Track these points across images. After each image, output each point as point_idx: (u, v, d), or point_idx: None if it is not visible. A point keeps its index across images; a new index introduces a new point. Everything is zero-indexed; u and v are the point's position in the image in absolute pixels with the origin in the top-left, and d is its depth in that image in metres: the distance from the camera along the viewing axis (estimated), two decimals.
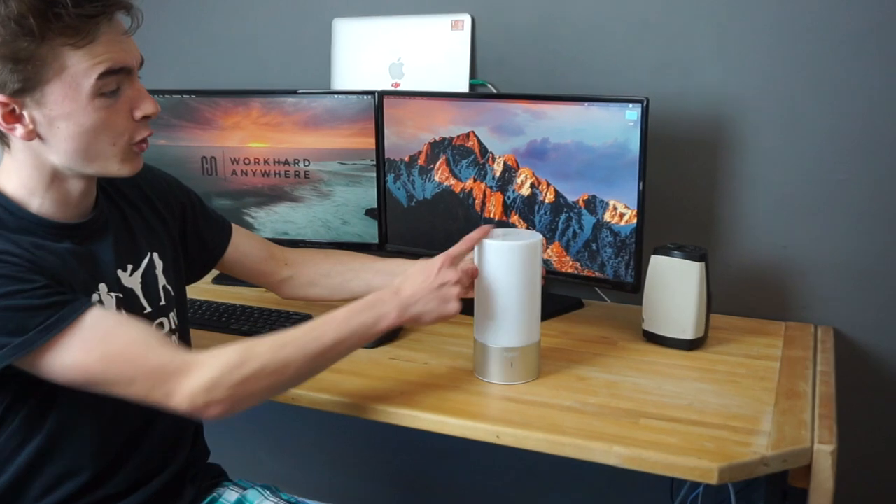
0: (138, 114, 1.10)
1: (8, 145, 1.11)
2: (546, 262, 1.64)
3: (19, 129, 1.06)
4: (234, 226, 1.46)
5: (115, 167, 1.10)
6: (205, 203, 1.43)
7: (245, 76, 2.08)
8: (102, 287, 1.16)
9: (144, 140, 1.13)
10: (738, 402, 1.28)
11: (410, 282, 1.22)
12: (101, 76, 1.04)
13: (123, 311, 1.17)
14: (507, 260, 1.26)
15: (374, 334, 1.20)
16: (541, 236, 1.30)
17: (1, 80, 1.02)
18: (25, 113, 1.05)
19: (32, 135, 1.07)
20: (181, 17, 2.14)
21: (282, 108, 1.86)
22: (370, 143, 1.80)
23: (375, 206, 1.84)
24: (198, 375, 1.06)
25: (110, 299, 1.16)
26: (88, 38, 1.02)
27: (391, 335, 1.55)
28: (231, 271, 1.46)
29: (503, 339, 1.30)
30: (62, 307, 1.04)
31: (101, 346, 1.04)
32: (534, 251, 1.28)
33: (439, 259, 1.25)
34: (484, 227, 1.29)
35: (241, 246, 1.45)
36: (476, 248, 1.29)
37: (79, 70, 1.03)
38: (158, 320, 1.25)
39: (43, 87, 1.03)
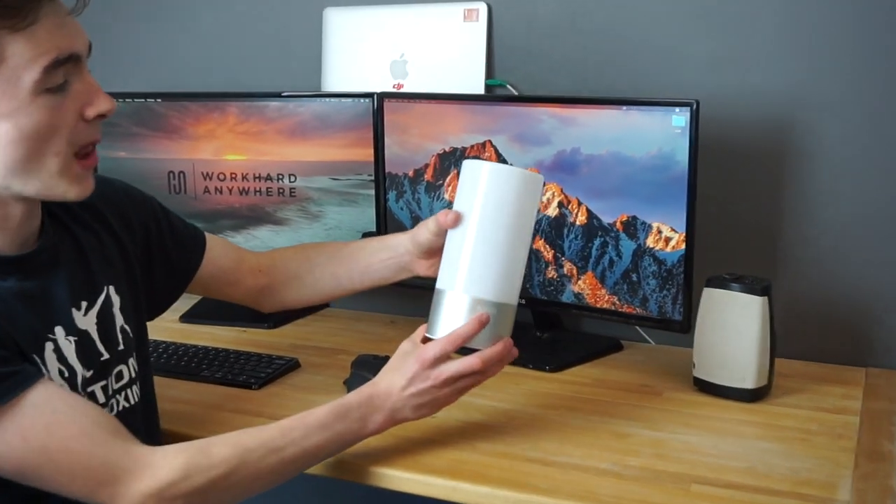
0: (91, 112, 1.08)
1: None
2: (578, 296, 1.63)
3: None
4: (207, 236, 1.46)
5: (62, 187, 1.09)
6: (170, 212, 1.43)
7: (220, 76, 2.09)
8: (59, 331, 1.15)
9: (91, 151, 1.11)
10: (810, 464, 1.27)
11: (400, 384, 1.23)
12: (48, 68, 1.03)
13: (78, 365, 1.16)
14: (500, 188, 1.21)
15: (359, 440, 1.23)
16: (542, 177, 1.28)
17: None
18: None
19: None
20: (143, 7, 2.15)
21: (263, 113, 1.87)
22: (368, 154, 1.81)
23: (374, 229, 1.84)
24: (149, 478, 1.07)
25: (69, 344, 1.16)
26: (28, 20, 1.01)
27: None
28: (197, 290, 1.47)
29: (477, 286, 1.22)
30: (2, 380, 1.03)
31: (44, 435, 1.04)
32: (533, 185, 1.24)
33: (413, 363, 1.23)
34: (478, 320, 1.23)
35: (216, 259, 1.45)
36: (462, 170, 1.25)
37: (19, 61, 1.01)
38: (117, 368, 1.24)
39: None
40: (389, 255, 1.42)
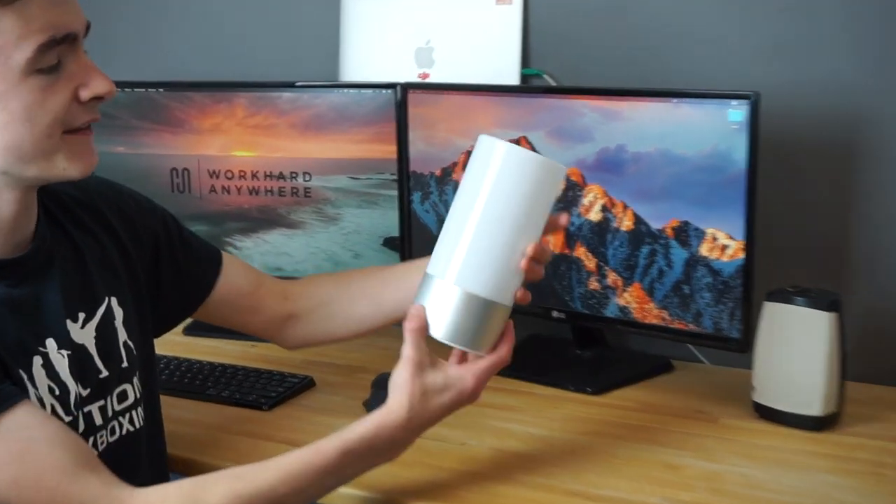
0: (86, 94, 1.08)
1: None
2: (623, 311, 1.62)
3: None
4: (224, 254, 1.45)
5: (61, 165, 1.09)
6: (184, 227, 1.43)
7: (228, 64, 2.09)
8: (50, 343, 1.15)
9: (88, 127, 1.11)
10: (884, 501, 1.27)
11: (421, 409, 1.19)
12: (42, 47, 1.03)
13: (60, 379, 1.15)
14: (515, 172, 1.18)
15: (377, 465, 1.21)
16: (565, 167, 1.23)
17: None
18: None
19: None
20: None
21: (275, 105, 1.86)
22: (390, 151, 1.80)
23: (396, 234, 1.83)
24: None
25: (61, 359, 1.15)
26: None
27: None
28: (213, 317, 1.45)
29: (469, 280, 1.19)
30: None
31: (17, 465, 1.04)
32: (553, 176, 1.20)
33: (404, 372, 1.19)
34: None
35: (233, 279, 1.43)
36: (477, 145, 1.22)
37: (9, 39, 1.02)
38: (120, 388, 1.24)
39: None
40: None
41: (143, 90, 1.93)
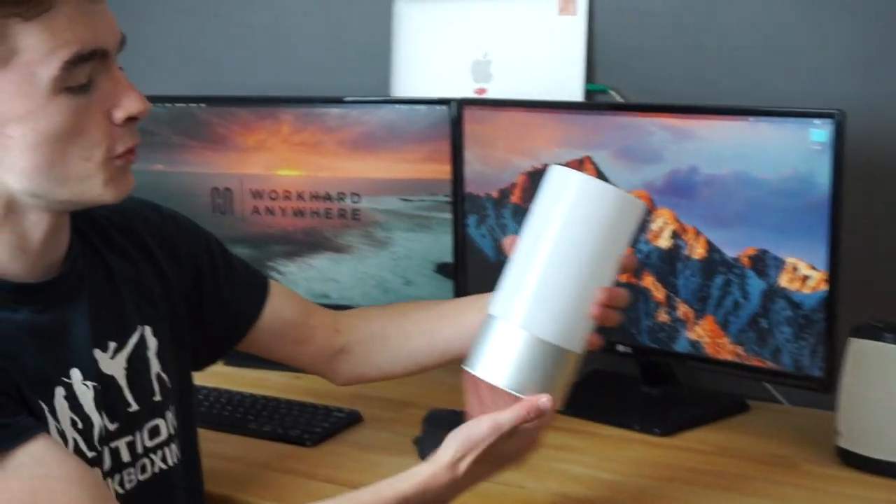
0: (119, 114, 1.08)
1: None
2: (694, 345, 1.61)
3: None
4: (272, 282, 1.46)
5: (96, 190, 1.09)
6: (229, 251, 1.44)
7: (273, 78, 2.11)
8: (75, 374, 1.15)
9: (130, 151, 1.12)
10: None
11: (472, 461, 1.18)
12: (68, 64, 1.03)
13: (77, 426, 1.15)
14: (590, 207, 1.15)
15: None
16: (645, 204, 1.21)
17: None
18: None
19: None
20: (184, 2, 2.18)
21: (323, 122, 1.87)
22: (444, 171, 1.80)
23: (450, 259, 1.83)
24: None
25: (86, 390, 1.16)
26: (42, 6, 1.02)
27: None
28: (258, 348, 1.45)
29: (536, 323, 1.17)
30: None
31: (30, 502, 1.03)
32: (632, 213, 1.17)
33: (485, 431, 1.17)
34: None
35: (280, 308, 1.43)
36: (547, 176, 1.20)
37: (34, 55, 1.02)
38: (151, 423, 1.24)
39: None
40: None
41: (184, 105, 1.95)
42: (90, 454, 1.14)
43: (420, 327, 1.43)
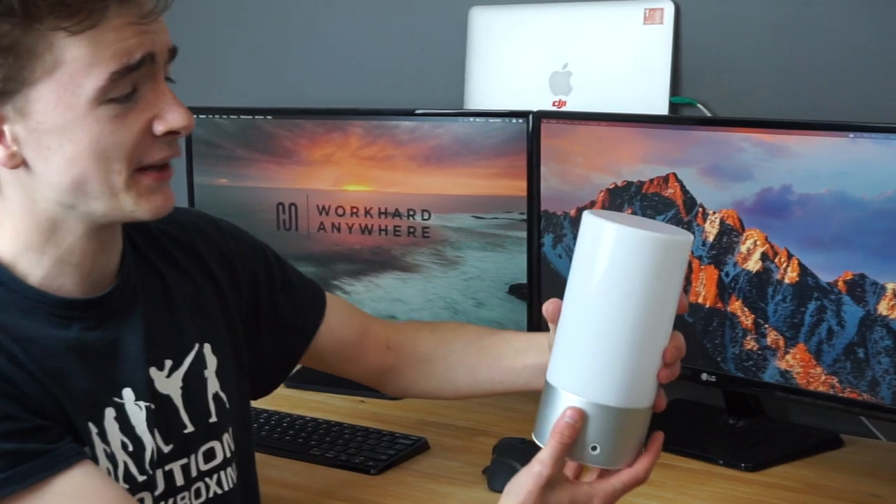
0: (161, 127, 1.09)
1: None
2: (784, 375, 1.58)
3: None
4: (329, 296, 1.46)
5: (128, 205, 1.10)
6: (288, 266, 1.44)
7: (341, 90, 2.12)
8: (127, 394, 1.16)
9: (164, 166, 1.11)
10: None
11: None
12: (115, 75, 1.04)
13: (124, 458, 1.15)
14: (631, 264, 1.10)
15: None
16: (691, 236, 1.15)
17: None
18: (6, 128, 1.06)
19: (15, 159, 1.07)
20: (253, 8, 2.20)
21: (393, 135, 1.88)
22: (520, 188, 1.79)
23: (524, 280, 1.82)
24: None
25: (138, 411, 1.16)
26: (90, 22, 1.03)
27: None
28: (313, 361, 1.46)
29: (596, 390, 1.13)
30: (26, 459, 1.03)
31: None
32: (678, 256, 1.12)
33: (531, 483, 1.11)
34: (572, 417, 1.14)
35: (336, 328, 1.44)
36: (582, 226, 1.15)
37: (80, 66, 1.03)
38: (206, 445, 1.24)
39: (27, 91, 1.04)
40: (541, 360, 1.31)
41: (250, 117, 1.97)
42: (141, 478, 1.14)
43: (463, 361, 1.44)
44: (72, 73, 1.03)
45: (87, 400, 1.11)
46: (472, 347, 1.45)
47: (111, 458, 1.12)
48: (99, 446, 1.11)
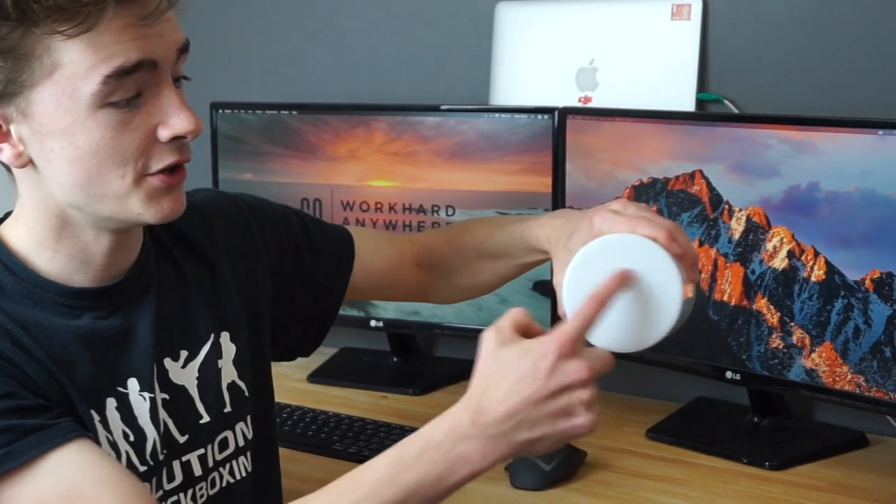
0: (165, 133, 1.07)
1: (14, 178, 1.13)
2: (810, 374, 1.58)
3: (6, 151, 1.07)
4: (355, 232, 1.47)
5: (135, 209, 1.09)
6: (308, 222, 1.44)
7: (366, 85, 2.12)
8: (132, 384, 1.15)
9: (177, 168, 1.10)
10: None
11: (500, 389, 1.00)
12: (109, 78, 1.03)
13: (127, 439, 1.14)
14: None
15: (447, 491, 1.03)
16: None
17: None
18: (12, 128, 1.06)
19: (22, 159, 1.08)
20: (276, 4, 2.20)
21: (417, 130, 1.88)
22: (545, 184, 1.80)
23: (548, 277, 1.79)
24: None
25: (142, 402, 1.16)
26: (86, 25, 1.02)
27: (564, 472, 1.53)
28: (355, 296, 1.51)
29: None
30: (24, 435, 1.03)
31: None
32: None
33: (550, 344, 1.00)
34: (619, 276, 1.07)
35: (368, 263, 1.47)
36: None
37: (78, 69, 1.02)
38: (221, 435, 1.24)
39: (28, 93, 1.04)
40: (542, 258, 1.38)
41: (275, 112, 1.97)
42: (142, 468, 1.14)
43: (482, 265, 1.47)
44: (69, 77, 1.02)
45: (91, 389, 1.11)
46: (482, 252, 1.46)
47: (113, 446, 1.12)
48: (101, 433, 1.11)
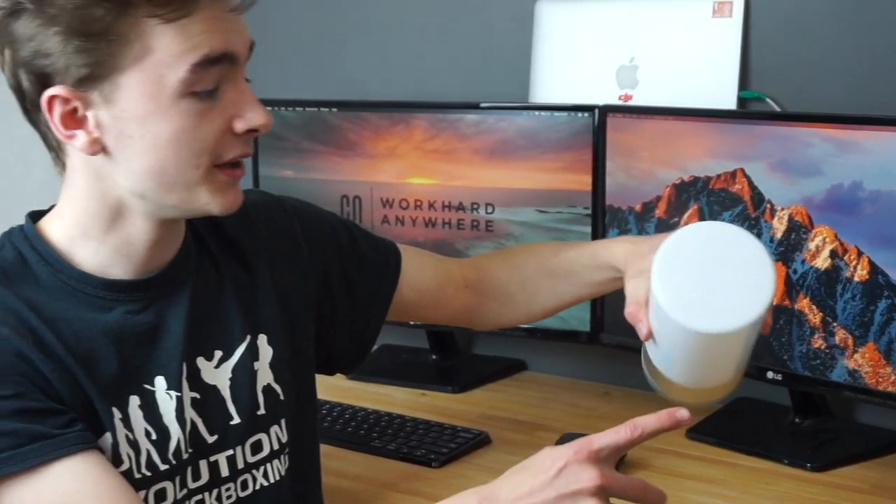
0: (241, 125, 1.10)
1: (64, 166, 1.14)
2: (853, 375, 1.57)
3: (80, 138, 1.08)
4: (403, 249, 1.47)
5: (203, 199, 1.12)
6: (355, 232, 1.44)
7: (406, 82, 2.13)
8: (159, 382, 1.16)
9: (238, 164, 1.13)
10: None
11: (513, 480, 1.03)
12: (196, 67, 1.06)
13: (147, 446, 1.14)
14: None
15: None
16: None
17: (62, 64, 1.04)
18: (90, 114, 1.07)
19: (96, 146, 1.08)
20: (317, 1, 2.22)
21: (457, 128, 1.89)
22: (584, 182, 1.80)
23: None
24: None
25: (168, 400, 1.16)
26: (184, 10, 1.04)
27: None
28: (398, 316, 1.48)
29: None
30: (28, 441, 1.04)
31: None
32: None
33: (570, 447, 1.02)
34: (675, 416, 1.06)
35: (413, 281, 1.45)
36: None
37: (166, 56, 1.05)
38: (253, 438, 1.24)
39: (116, 77, 1.05)
40: (612, 277, 1.36)
41: (315, 109, 1.98)
42: (163, 466, 1.14)
43: (541, 285, 1.47)
44: (157, 63, 1.04)
45: (114, 385, 1.12)
46: (544, 271, 1.46)
47: (133, 444, 1.12)
48: (121, 431, 1.11)
